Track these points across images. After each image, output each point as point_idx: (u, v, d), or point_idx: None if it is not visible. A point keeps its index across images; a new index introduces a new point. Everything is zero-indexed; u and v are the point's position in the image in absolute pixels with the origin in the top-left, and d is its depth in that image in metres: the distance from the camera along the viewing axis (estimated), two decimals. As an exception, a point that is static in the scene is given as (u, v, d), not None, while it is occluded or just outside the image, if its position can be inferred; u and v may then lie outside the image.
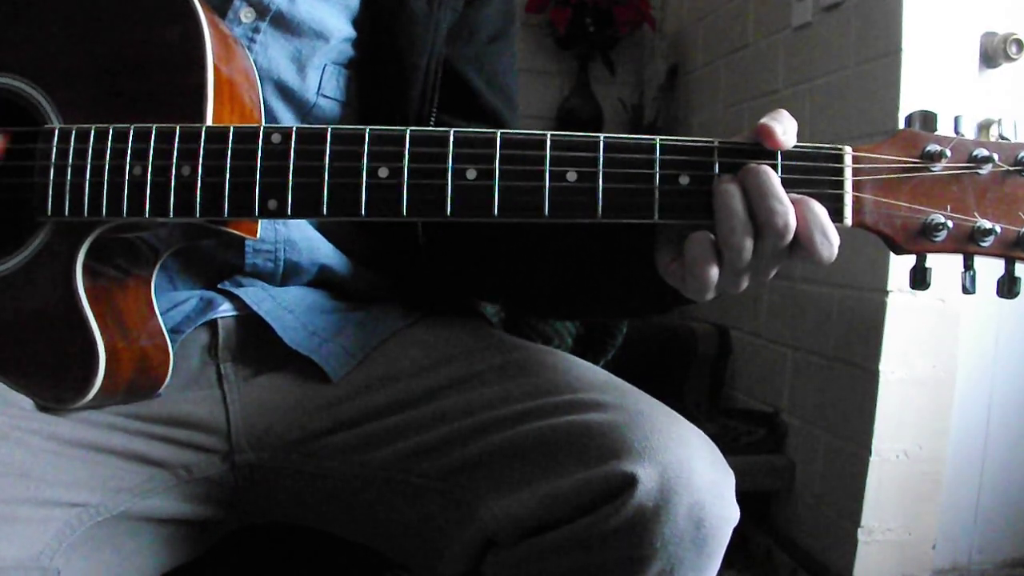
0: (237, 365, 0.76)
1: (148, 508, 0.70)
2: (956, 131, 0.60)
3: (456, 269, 0.84)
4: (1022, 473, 1.86)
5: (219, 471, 0.73)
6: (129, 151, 0.61)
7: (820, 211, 0.57)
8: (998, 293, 0.60)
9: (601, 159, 0.59)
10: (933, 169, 0.59)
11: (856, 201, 0.59)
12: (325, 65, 0.78)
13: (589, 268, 0.71)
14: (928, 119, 0.60)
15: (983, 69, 1.66)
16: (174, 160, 0.61)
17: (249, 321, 0.76)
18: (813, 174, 0.59)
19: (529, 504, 0.64)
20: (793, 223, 0.57)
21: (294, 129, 0.61)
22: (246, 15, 0.76)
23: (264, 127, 0.61)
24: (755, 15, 2.18)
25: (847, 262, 1.71)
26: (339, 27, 0.79)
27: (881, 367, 1.66)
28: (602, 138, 0.59)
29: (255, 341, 0.76)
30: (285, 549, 0.83)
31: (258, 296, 0.78)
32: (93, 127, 0.62)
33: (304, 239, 0.79)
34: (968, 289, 0.61)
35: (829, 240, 0.57)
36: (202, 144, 0.61)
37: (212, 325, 0.76)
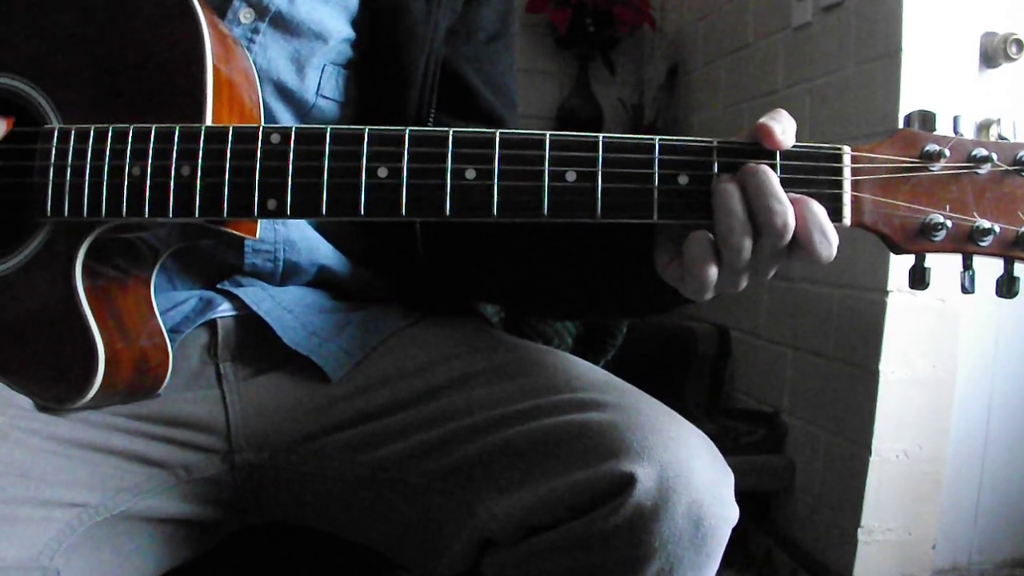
0: (236, 365, 0.76)
1: (148, 508, 0.70)
2: (955, 131, 0.60)
3: (455, 269, 0.84)
4: (1022, 473, 1.86)
5: (219, 471, 0.73)
6: (128, 151, 0.61)
7: (819, 211, 0.57)
8: (997, 293, 0.60)
9: (600, 159, 0.59)
10: (932, 169, 0.59)
11: (855, 201, 0.59)
12: (324, 66, 0.78)
13: (588, 268, 0.71)
14: (927, 119, 0.60)
15: (983, 69, 1.66)
16: (173, 160, 0.61)
17: (248, 321, 0.77)
18: (812, 174, 0.59)
19: (528, 504, 0.64)
20: (792, 223, 0.57)
21: (293, 129, 0.61)
22: (245, 15, 0.76)
23: (263, 127, 0.61)
24: (755, 15, 2.18)
25: (847, 262, 1.72)
26: (338, 28, 0.79)
27: (881, 367, 1.66)
28: (601, 138, 0.59)
29: (254, 341, 0.76)
30: (285, 549, 0.83)
31: (257, 296, 0.78)
32: (92, 127, 0.62)
33: (303, 239, 0.79)
34: (967, 289, 0.61)
35: (828, 240, 0.57)
36: (201, 144, 0.61)
37: (211, 325, 0.76)
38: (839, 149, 0.59)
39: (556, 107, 2.71)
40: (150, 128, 0.61)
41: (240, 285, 0.78)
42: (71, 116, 0.64)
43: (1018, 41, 1.62)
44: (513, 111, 0.86)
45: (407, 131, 0.60)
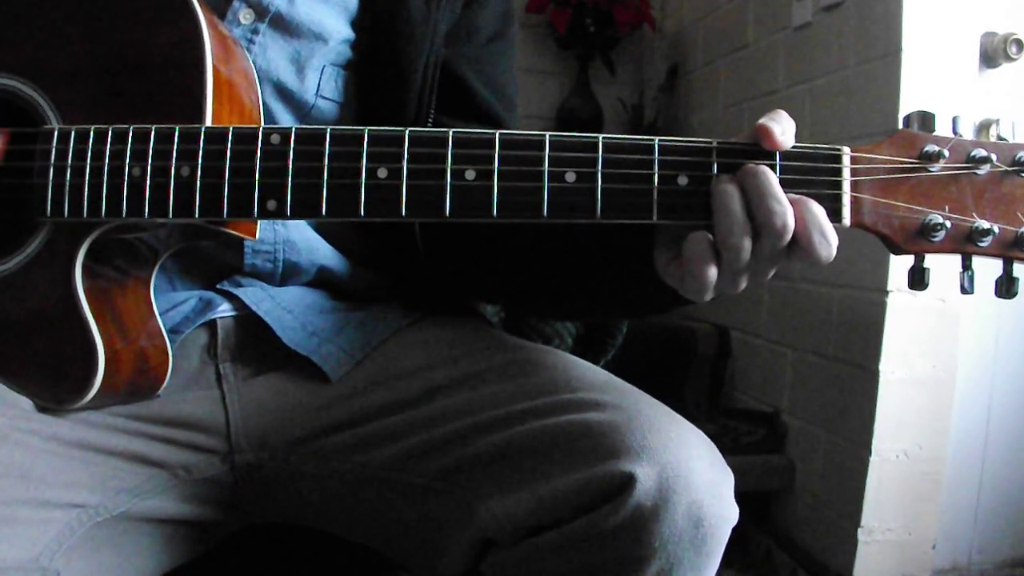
0: (236, 365, 0.76)
1: (148, 509, 0.70)
2: (954, 131, 0.60)
3: (455, 269, 0.84)
4: (1022, 473, 1.86)
5: (219, 471, 0.73)
6: (128, 152, 0.61)
7: (818, 211, 0.57)
8: (996, 293, 0.60)
9: (600, 160, 0.59)
10: (931, 169, 0.59)
11: (854, 201, 0.59)
12: (324, 66, 0.78)
13: (588, 269, 0.71)
14: (926, 119, 0.60)
15: (983, 69, 1.66)
16: (173, 161, 0.61)
17: (248, 321, 0.77)
18: (811, 174, 0.59)
19: (528, 504, 0.64)
20: (791, 223, 0.57)
21: (293, 130, 0.61)
22: (245, 16, 0.76)
23: (263, 128, 0.61)
24: (755, 15, 2.18)
25: (847, 262, 1.72)
26: (338, 28, 0.79)
27: (881, 367, 1.66)
28: (601, 139, 0.59)
29: (254, 341, 0.76)
30: (285, 549, 0.83)
31: (257, 296, 0.78)
32: (92, 128, 0.62)
33: (303, 239, 0.79)
34: (966, 289, 0.61)
35: (828, 240, 0.57)
36: (201, 145, 0.61)
37: (211, 325, 0.76)
38: (838, 150, 0.59)
39: (556, 107, 2.71)
40: (150, 129, 0.61)
41: (240, 285, 0.78)
42: (71, 116, 0.64)
43: (1018, 41, 1.62)
44: (513, 112, 0.86)
45: (407, 132, 0.60)
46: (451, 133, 0.60)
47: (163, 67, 0.64)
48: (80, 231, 0.63)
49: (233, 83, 0.66)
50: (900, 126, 0.61)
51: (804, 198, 0.58)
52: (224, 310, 0.77)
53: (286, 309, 0.78)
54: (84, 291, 0.64)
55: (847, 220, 0.59)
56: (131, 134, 0.61)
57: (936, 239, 0.59)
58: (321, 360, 0.76)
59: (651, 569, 0.61)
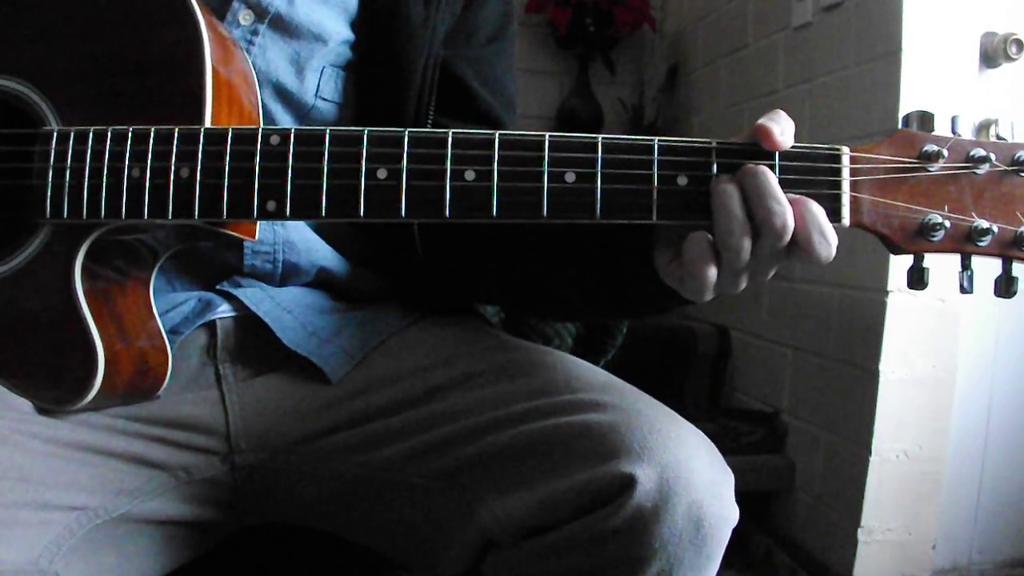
0: (236, 366, 0.76)
1: (148, 510, 0.70)
2: (953, 131, 0.60)
3: (454, 269, 0.84)
4: (1022, 473, 1.86)
5: (219, 472, 0.73)
6: (128, 153, 0.61)
7: (818, 211, 0.57)
8: (996, 293, 0.60)
9: (599, 160, 0.59)
10: (930, 169, 0.59)
11: (854, 201, 0.59)
12: (323, 67, 0.78)
13: (587, 269, 0.71)
14: (926, 119, 0.60)
15: (983, 69, 1.66)
16: (173, 162, 0.61)
17: (248, 322, 0.76)
18: (811, 174, 0.59)
19: (529, 504, 0.64)
20: (791, 223, 0.57)
21: (292, 131, 0.61)
22: (245, 17, 0.76)
23: (263, 129, 0.61)
24: (755, 15, 2.18)
25: (847, 262, 1.71)
26: (337, 29, 0.79)
27: (881, 367, 1.66)
28: (600, 139, 0.59)
29: (254, 342, 0.76)
30: (285, 549, 0.83)
31: (257, 297, 0.78)
32: (91, 129, 0.62)
33: (303, 240, 0.79)
34: (965, 289, 0.61)
35: (827, 240, 0.57)
36: (201, 146, 0.61)
37: (211, 326, 0.76)
38: (838, 150, 0.59)
39: (556, 107, 2.71)
40: (149, 130, 0.61)
41: (239, 286, 0.78)
42: (70, 118, 0.64)
43: (1018, 41, 1.62)
44: (512, 112, 0.86)
45: (406, 132, 0.60)
46: (451, 133, 0.60)
47: (162, 68, 0.64)
48: (79, 232, 0.63)
49: (232, 84, 0.66)
50: (899, 126, 0.61)
51: (804, 198, 0.58)
52: (224, 311, 0.77)
53: (286, 310, 0.78)
54: (84, 292, 0.64)
55: (846, 220, 0.59)
56: (130, 135, 0.61)
57: (935, 239, 0.59)
58: (321, 361, 0.76)
59: (651, 570, 0.61)
